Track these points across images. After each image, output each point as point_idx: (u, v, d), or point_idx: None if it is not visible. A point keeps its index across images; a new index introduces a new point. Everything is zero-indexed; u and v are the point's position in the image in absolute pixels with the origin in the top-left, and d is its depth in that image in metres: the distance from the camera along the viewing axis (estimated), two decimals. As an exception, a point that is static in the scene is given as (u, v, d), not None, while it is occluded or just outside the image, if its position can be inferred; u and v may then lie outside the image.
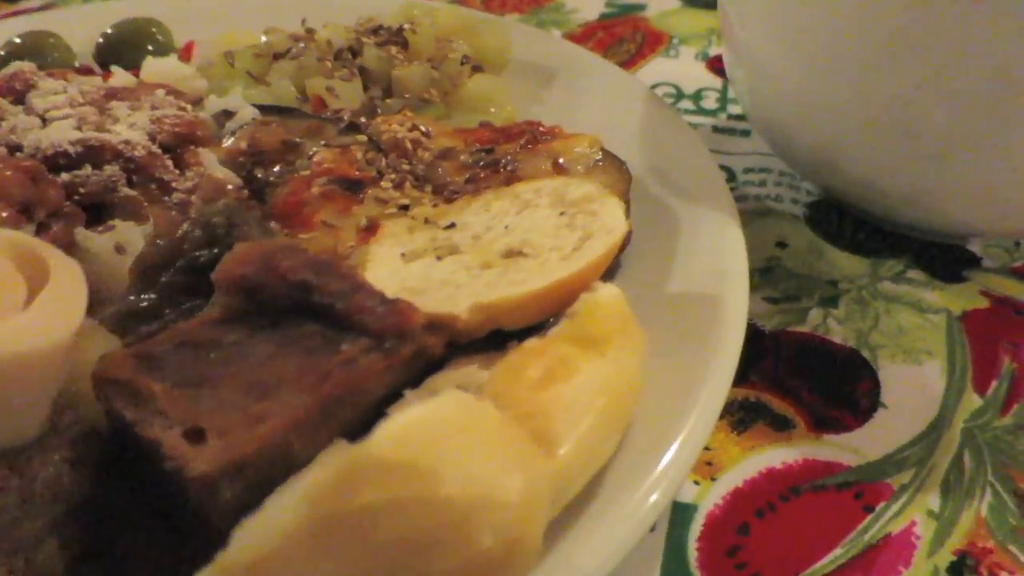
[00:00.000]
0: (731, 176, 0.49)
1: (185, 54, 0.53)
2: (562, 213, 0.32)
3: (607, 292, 0.27)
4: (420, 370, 0.27)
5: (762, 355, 0.38)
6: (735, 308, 0.31)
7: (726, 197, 0.38)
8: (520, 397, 0.23)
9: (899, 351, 0.38)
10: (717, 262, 0.34)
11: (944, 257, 0.43)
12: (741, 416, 0.35)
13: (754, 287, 0.41)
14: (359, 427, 0.26)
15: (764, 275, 0.42)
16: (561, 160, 0.39)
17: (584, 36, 0.66)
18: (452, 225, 0.33)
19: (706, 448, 0.34)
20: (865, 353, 0.38)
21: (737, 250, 0.34)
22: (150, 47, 0.51)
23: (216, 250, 0.29)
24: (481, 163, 0.39)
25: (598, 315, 0.26)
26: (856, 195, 0.42)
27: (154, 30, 0.51)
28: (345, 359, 0.25)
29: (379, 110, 0.45)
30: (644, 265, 0.36)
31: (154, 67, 0.47)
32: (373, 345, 0.26)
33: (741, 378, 0.37)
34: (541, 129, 0.42)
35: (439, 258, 0.31)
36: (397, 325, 0.26)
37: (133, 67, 0.47)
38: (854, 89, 0.37)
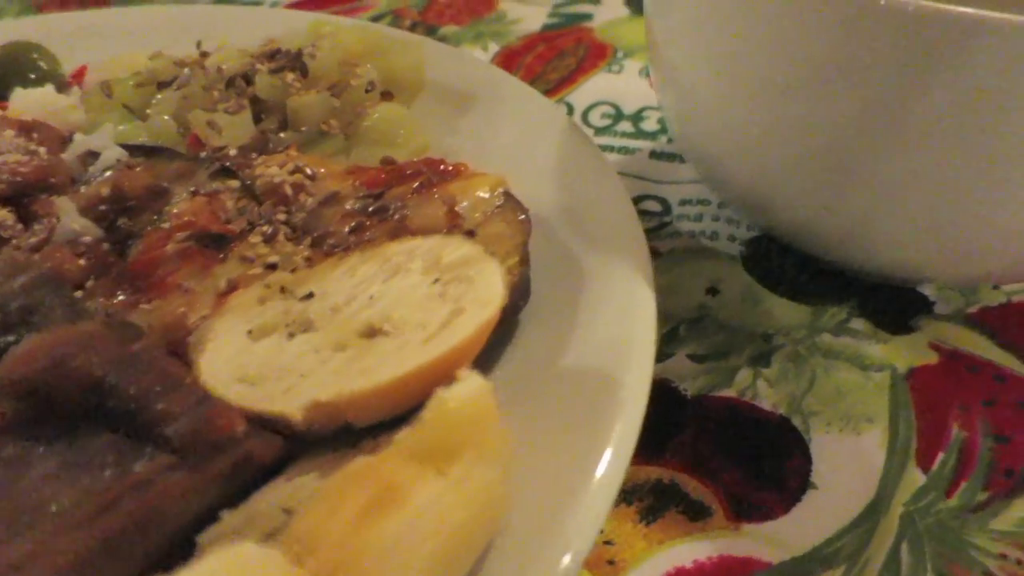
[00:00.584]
0: (666, 208, 0.45)
1: (76, 80, 0.49)
2: (435, 280, 0.28)
3: (463, 390, 0.23)
4: (246, 482, 0.23)
5: (681, 426, 0.34)
6: (634, 390, 0.27)
7: (640, 251, 0.34)
8: (332, 539, 0.19)
9: (836, 418, 0.34)
10: (622, 330, 0.30)
11: (892, 302, 0.39)
12: (651, 503, 0.31)
13: (680, 342, 0.37)
14: (166, 556, 0.22)
15: (692, 328, 0.38)
16: (457, 206, 0.35)
17: (524, 49, 0.61)
18: (310, 295, 0.28)
19: (608, 543, 0.30)
20: (797, 421, 0.34)
21: (645, 317, 0.30)
22: (31, 74, 0.46)
23: (12, 339, 0.24)
24: (368, 210, 0.35)
25: (447, 421, 0.22)
26: (793, 235, 0.37)
27: (35, 56, 0.47)
28: (138, 481, 0.21)
29: (272, 144, 0.41)
30: (541, 331, 0.31)
31: (24, 98, 0.42)
32: (176, 462, 0.22)
33: (656, 454, 0.33)
34: (442, 168, 0.37)
35: (291, 335, 0.27)
36: (209, 434, 0.22)
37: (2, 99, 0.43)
38: (788, 119, 0.33)
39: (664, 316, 0.38)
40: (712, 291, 0.39)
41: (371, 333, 0.26)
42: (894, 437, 0.33)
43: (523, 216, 0.34)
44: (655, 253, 0.42)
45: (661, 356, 0.36)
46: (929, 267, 0.36)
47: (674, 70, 0.38)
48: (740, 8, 0.32)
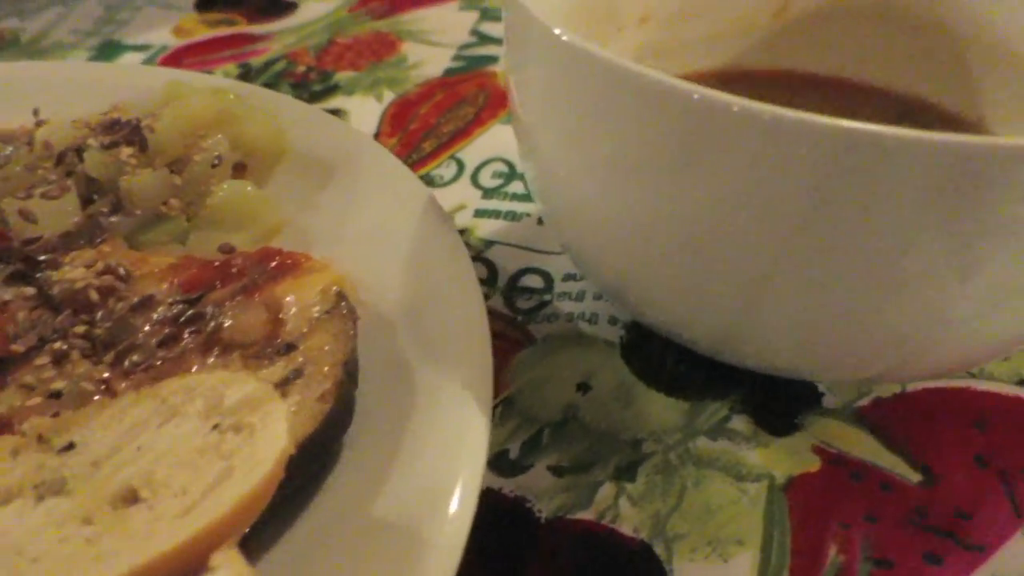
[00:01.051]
0: (548, 284, 0.41)
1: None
2: (215, 426, 0.25)
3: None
4: None
5: (531, 558, 0.30)
6: (442, 559, 0.23)
7: (483, 367, 0.30)
8: None
9: (702, 542, 0.30)
10: (442, 475, 0.26)
11: (778, 395, 0.36)
12: (483, 658, 0.28)
13: (541, 451, 0.34)
14: None
15: (556, 433, 0.34)
16: (283, 312, 0.31)
17: (420, 98, 0.58)
18: (70, 446, 0.25)
19: None
20: (659, 548, 0.30)
21: (471, 458, 0.26)
22: None
23: None
24: (182, 318, 0.31)
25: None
26: (665, 331, 0.34)
27: None
28: None
29: (104, 229, 0.37)
30: (358, 466, 0.28)
31: None
32: None
33: (497, 594, 0.29)
34: (275, 263, 0.34)
35: (40, 499, 0.23)
36: None
37: None
38: (649, 207, 0.29)
39: (528, 420, 0.35)
40: (583, 387, 0.36)
41: (129, 499, 0.23)
42: (765, 563, 0.30)
43: (351, 326, 0.30)
44: (529, 340, 0.38)
45: (520, 469, 0.33)
46: (804, 368, 0.33)
47: (530, 135, 0.34)
48: (585, 92, 0.29)
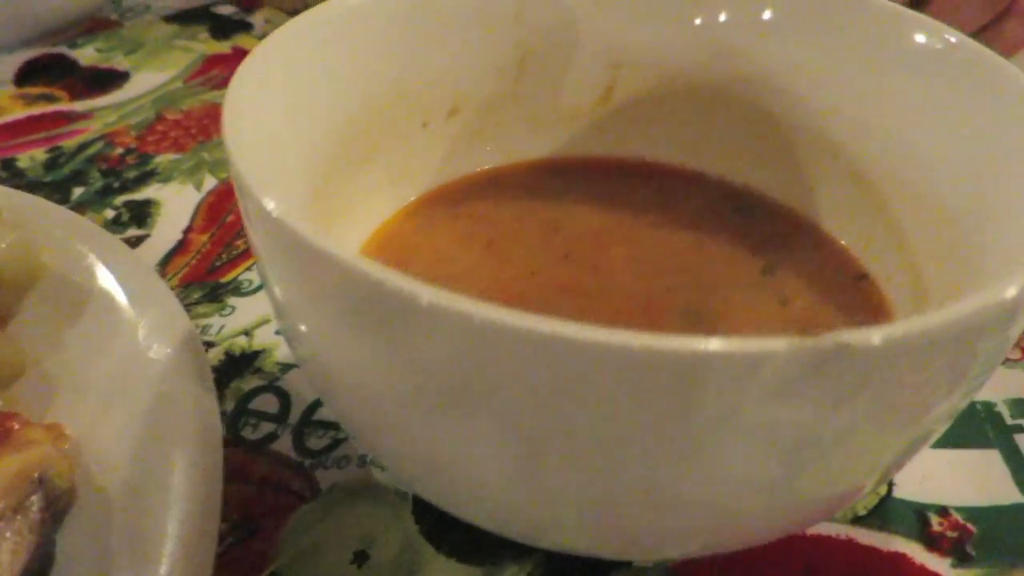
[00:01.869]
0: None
1: None
2: None
3: None
4: None
5: None
6: None
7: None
8: None
9: None
10: None
11: (583, 558, 0.31)
12: None
13: (297, 647, 0.29)
14: None
15: (318, 622, 0.29)
16: None
17: (245, 184, 0.53)
18: None
19: None
20: None
21: None
22: None
23: None
24: None
25: None
26: (440, 503, 0.29)
27: None
28: None
29: None
30: None
31: None
32: None
33: None
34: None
35: None
36: None
37: None
38: (349, 376, 0.25)
39: (289, 603, 0.30)
40: (360, 557, 0.31)
41: None
42: None
43: (38, 531, 0.25)
44: (313, 491, 0.34)
45: (270, 672, 0.28)
46: (611, 553, 0.29)
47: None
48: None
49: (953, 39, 0.32)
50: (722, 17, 0.39)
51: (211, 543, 0.26)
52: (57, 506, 0.27)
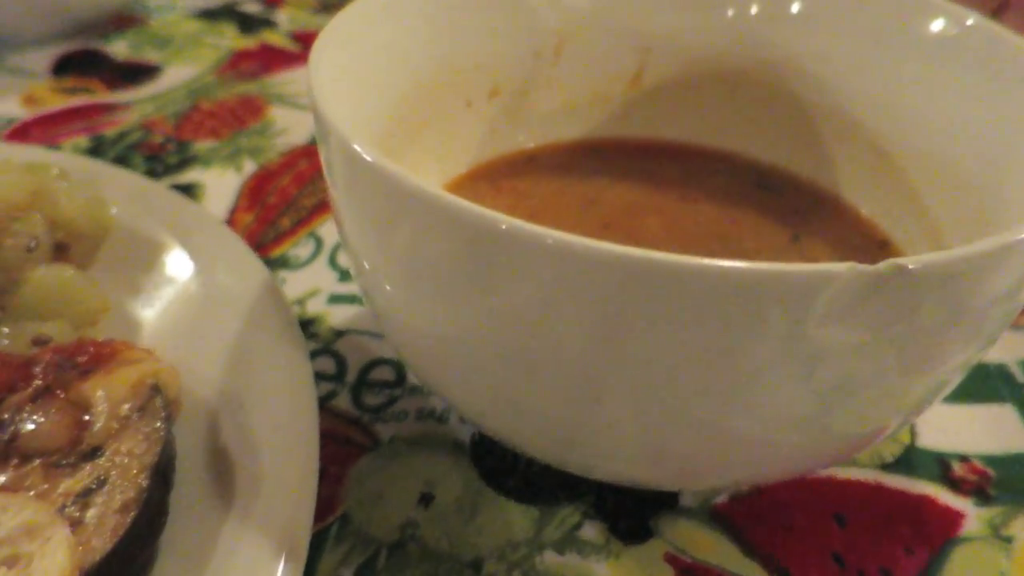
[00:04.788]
0: (399, 377, 0.39)
1: None
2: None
3: None
4: None
5: None
6: None
7: (307, 476, 0.28)
8: None
9: (543, 678, 0.28)
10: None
11: (633, 496, 0.34)
12: None
13: (373, 579, 0.31)
14: None
15: (392, 557, 0.31)
16: (91, 411, 0.28)
17: (282, 168, 0.55)
18: None
19: None
20: None
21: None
22: None
23: None
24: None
25: None
26: (504, 441, 0.32)
27: None
28: None
29: None
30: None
31: None
32: None
33: None
34: (87, 356, 0.31)
35: None
36: None
37: None
38: (452, 323, 0.27)
39: (364, 541, 0.32)
40: (426, 499, 0.33)
41: None
42: None
43: (162, 426, 0.28)
44: (374, 443, 0.36)
45: (348, 601, 0.30)
46: (659, 482, 0.31)
47: (343, 236, 0.32)
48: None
49: (970, 22, 0.35)
50: (753, 9, 0.41)
51: (313, 441, 0.29)
52: (170, 411, 0.29)
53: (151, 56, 0.69)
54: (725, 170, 0.44)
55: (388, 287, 0.28)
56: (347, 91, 0.32)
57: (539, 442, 0.30)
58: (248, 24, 0.74)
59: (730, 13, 0.42)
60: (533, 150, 0.45)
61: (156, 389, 0.29)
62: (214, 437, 0.30)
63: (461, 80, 0.41)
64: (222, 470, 0.28)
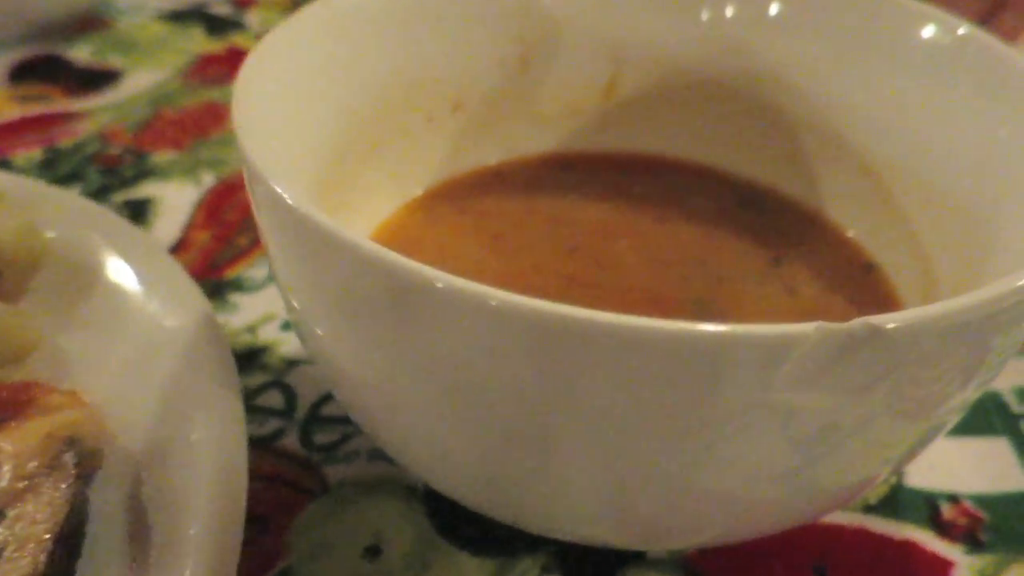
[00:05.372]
0: (354, 413, 0.36)
1: None
2: None
3: None
4: None
5: None
6: None
7: (229, 529, 0.26)
8: None
9: None
10: None
11: (598, 548, 0.31)
12: None
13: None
14: None
15: (332, 618, 0.29)
16: None
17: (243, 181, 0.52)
18: None
19: None
20: None
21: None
22: None
23: None
24: None
25: None
26: (458, 498, 0.29)
27: None
28: None
29: None
30: None
31: None
32: None
33: None
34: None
35: None
36: None
37: None
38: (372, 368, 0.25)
39: (303, 599, 0.29)
40: (372, 551, 0.31)
41: None
42: None
43: (71, 486, 0.25)
44: (323, 488, 0.33)
45: (285, 668, 0.28)
46: (628, 543, 0.28)
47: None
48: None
49: (962, 31, 0.32)
50: (728, 12, 0.39)
51: (239, 500, 0.26)
52: (87, 466, 0.27)
53: (114, 61, 0.66)
54: (704, 187, 0.41)
55: (318, 331, 0.26)
56: (283, 119, 0.30)
57: (493, 503, 0.27)
58: (216, 26, 0.71)
59: (704, 16, 0.39)
60: (500, 166, 0.42)
61: (71, 442, 0.27)
62: (135, 493, 0.27)
63: (420, 94, 0.39)
64: (139, 532, 0.26)
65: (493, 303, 0.19)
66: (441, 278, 0.20)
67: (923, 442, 0.26)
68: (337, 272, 0.23)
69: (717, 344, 0.18)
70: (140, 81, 0.64)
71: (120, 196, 0.51)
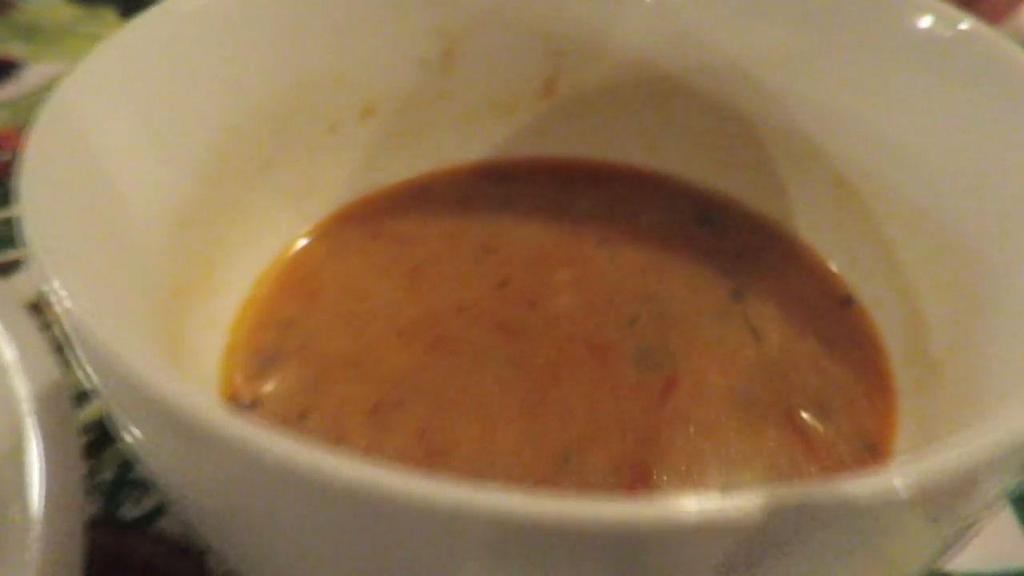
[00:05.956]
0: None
1: None
2: None
3: None
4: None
5: None
6: None
7: None
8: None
9: None
10: None
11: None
12: None
13: None
14: None
15: None
16: None
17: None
18: None
19: None
20: None
21: None
22: None
23: None
24: None
25: None
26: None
27: None
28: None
29: None
30: None
31: None
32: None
33: None
34: None
35: None
36: None
37: None
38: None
39: None
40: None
41: None
42: None
43: None
44: (202, 583, 0.28)
45: None
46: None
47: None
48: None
49: (963, 25, 0.26)
50: (677, -5, 0.33)
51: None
52: None
53: (15, 50, 0.60)
54: (657, 200, 0.36)
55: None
56: (113, 152, 0.24)
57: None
58: (132, 8, 0.64)
59: (649, 1, 0.33)
60: (423, 179, 0.37)
61: None
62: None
63: (319, 100, 0.33)
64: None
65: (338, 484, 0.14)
66: (268, 449, 0.14)
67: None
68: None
69: (617, 539, 0.13)
70: (42, 73, 0.57)
71: (3, 213, 0.45)
